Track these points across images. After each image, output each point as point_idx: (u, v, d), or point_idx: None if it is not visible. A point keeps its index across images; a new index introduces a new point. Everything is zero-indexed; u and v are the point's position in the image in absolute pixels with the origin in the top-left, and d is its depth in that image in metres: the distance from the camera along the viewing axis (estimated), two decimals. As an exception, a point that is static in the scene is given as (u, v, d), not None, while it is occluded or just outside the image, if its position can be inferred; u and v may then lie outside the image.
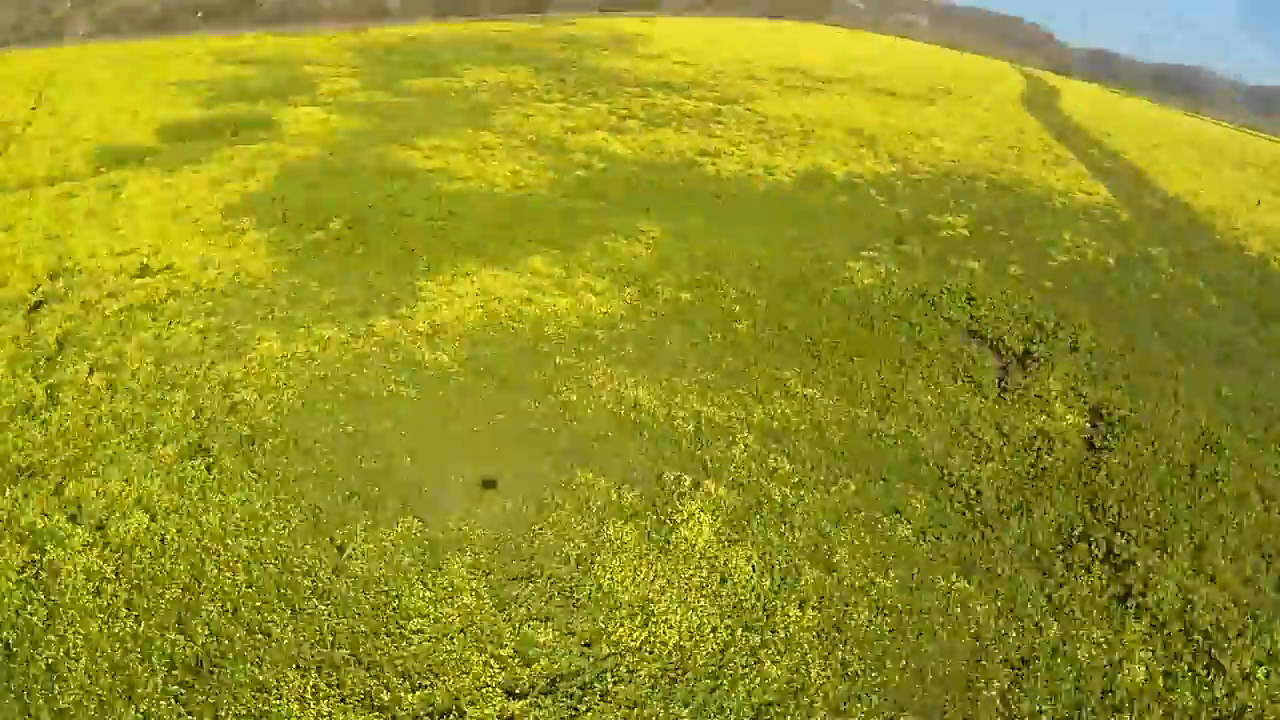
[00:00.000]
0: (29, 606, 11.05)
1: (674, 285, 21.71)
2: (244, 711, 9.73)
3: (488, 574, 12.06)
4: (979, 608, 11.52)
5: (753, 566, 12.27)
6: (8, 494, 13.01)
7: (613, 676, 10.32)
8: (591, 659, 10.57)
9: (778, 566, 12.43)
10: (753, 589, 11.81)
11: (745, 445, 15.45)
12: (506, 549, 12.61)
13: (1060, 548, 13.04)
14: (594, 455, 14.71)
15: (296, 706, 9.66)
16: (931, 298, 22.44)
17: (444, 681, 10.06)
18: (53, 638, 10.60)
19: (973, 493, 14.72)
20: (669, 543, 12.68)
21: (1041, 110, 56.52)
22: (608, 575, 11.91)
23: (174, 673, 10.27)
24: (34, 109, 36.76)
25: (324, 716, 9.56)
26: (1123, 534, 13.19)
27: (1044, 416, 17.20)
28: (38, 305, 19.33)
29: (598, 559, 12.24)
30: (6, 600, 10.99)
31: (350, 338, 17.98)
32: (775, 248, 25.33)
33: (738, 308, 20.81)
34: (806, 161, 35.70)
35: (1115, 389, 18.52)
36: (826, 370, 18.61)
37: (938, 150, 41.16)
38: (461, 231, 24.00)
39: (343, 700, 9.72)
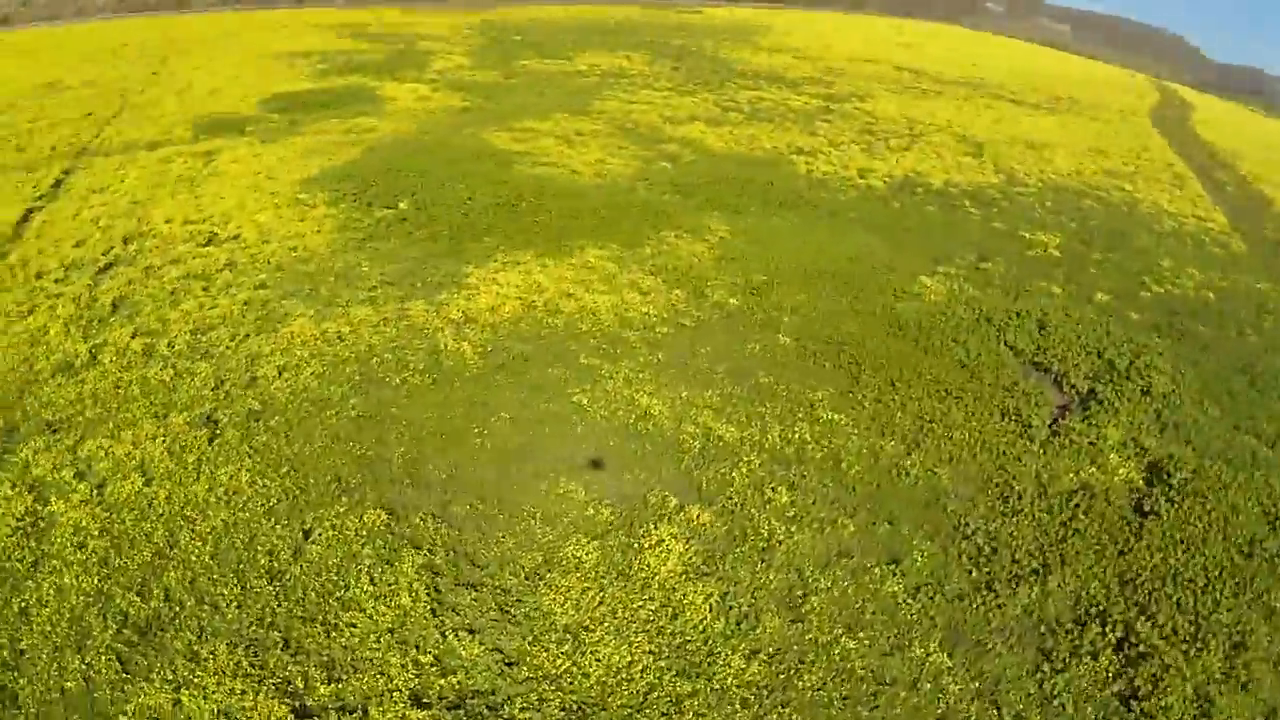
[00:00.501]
0: (18, 552, 12.02)
1: (725, 289, 21.03)
2: (170, 677, 10.12)
3: (436, 576, 11.92)
4: (953, 687, 10.13)
5: (710, 606, 11.32)
6: (30, 445, 14.28)
7: (523, 702, 9.86)
8: (508, 680, 10.17)
9: (737, 609, 11.41)
10: (702, 631, 10.92)
11: (749, 469, 14.38)
12: (464, 553, 12.41)
13: (1070, 626, 11.27)
14: (583, 465, 14.30)
15: (214, 681, 9.92)
16: (998, 323, 20.28)
17: (359, 679, 10.04)
18: (31, 584, 11.48)
19: (987, 549, 12.97)
20: (629, 568, 12.02)
21: (1170, 126, 50.43)
22: (552, 595, 11.43)
23: (123, 631, 10.89)
24: (154, 74, 41.01)
25: (235, 694, 9.77)
26: (1149, 618, 11.25)
27: (1093, 468, 14.94)
28: (107, 268, 21.27)
29: (549, 576, 11.81)
30: (1, 545, 11.92)
31: (382, 321, 18.58)
32: (844, 256, 24.03)
33: (786, 318, 19.82)
34: (905, 167, 33.99)
35: (1183, 444, 15.85)
36: (862, 393, 17.19)
37: (1047, 162, 37.60)
38: (526, 219, 24.39)
39: (259, 682, 9.93)
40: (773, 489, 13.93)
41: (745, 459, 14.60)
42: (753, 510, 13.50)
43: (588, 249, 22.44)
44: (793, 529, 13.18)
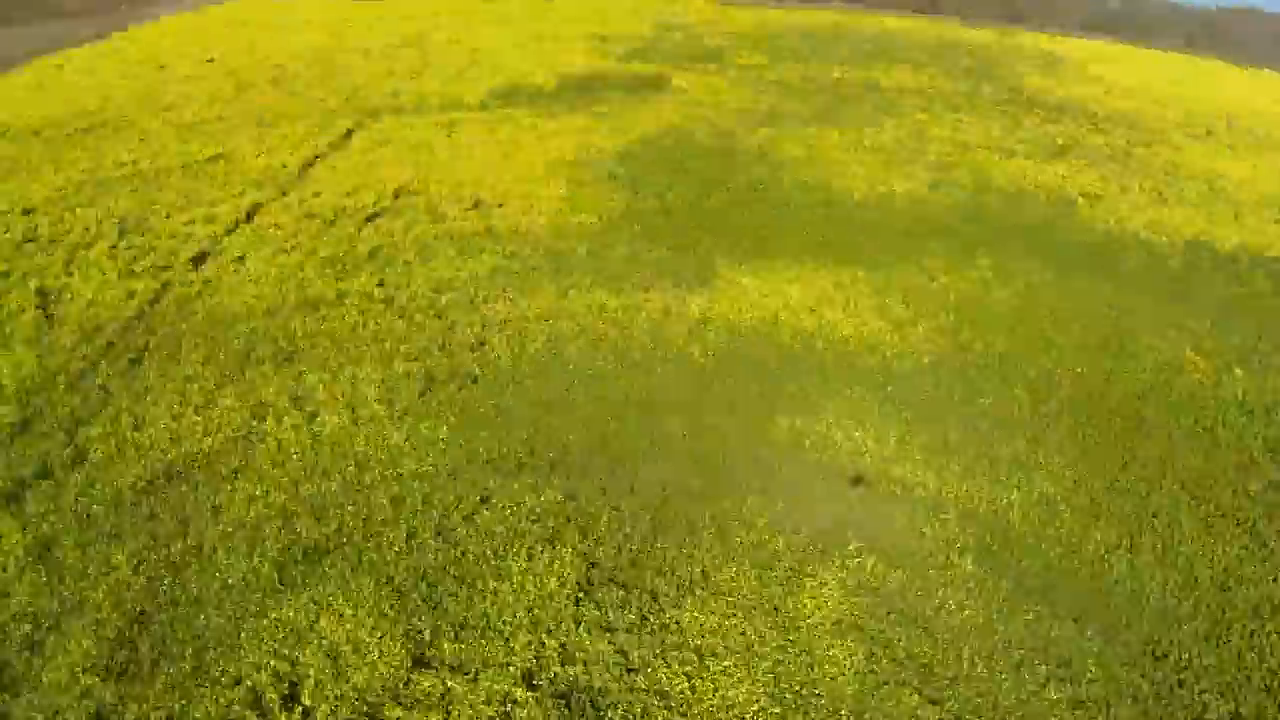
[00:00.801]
0: (227, 458, 17.75)
1: (975, 331, 23.97)
2: (315, 599, 14.32)
3: (592, 567, 15.19)
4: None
5: (850, 665, 13.24)
6: (262, 369, 20.69)
7: (625, 710, 12.49)
8: (622, 685, 12.83)
9: (877, 676, 13.12)
10: (833, 689, 12.79)
11: (942, 528, 16.44)
12: (627, 551, 15.64)
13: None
14: (773, 489, 17.21)
15: (351, 612, 13.82)
16: (1261, 417, 21.27)
17: (481, 645, 13.49)
18: (229, 487, 16.97)
19: (1174, 681, 13.65)
20: (780, 605, 14.46)
21: None
22: (694, 613, 14.31)
23: (291, 549, 15.35)
24: (458, 41, 55.77)
25: (365, 628, 13.74)
26: None
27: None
28: (372, 218, 29.29)
29: (699, 593, 14.75)
30: (216, 448, 17.77)
31: (620, 307, 23.92)
32: (1108, 316, 26.25)
33: (1032, 373, 22.41)
34: (1197, 226, 35.69)
35: None
36: (1090, 469, 18.88)
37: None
38: (789, 226, 30.11)
39: (392, 624, 13.56)
40: (959, 555, 15.81)
41: (942, 516, 16.81)
42: (931, 573, 15.33)
43: (845, 266, 26.70)
44: (966, 603, 14.68)
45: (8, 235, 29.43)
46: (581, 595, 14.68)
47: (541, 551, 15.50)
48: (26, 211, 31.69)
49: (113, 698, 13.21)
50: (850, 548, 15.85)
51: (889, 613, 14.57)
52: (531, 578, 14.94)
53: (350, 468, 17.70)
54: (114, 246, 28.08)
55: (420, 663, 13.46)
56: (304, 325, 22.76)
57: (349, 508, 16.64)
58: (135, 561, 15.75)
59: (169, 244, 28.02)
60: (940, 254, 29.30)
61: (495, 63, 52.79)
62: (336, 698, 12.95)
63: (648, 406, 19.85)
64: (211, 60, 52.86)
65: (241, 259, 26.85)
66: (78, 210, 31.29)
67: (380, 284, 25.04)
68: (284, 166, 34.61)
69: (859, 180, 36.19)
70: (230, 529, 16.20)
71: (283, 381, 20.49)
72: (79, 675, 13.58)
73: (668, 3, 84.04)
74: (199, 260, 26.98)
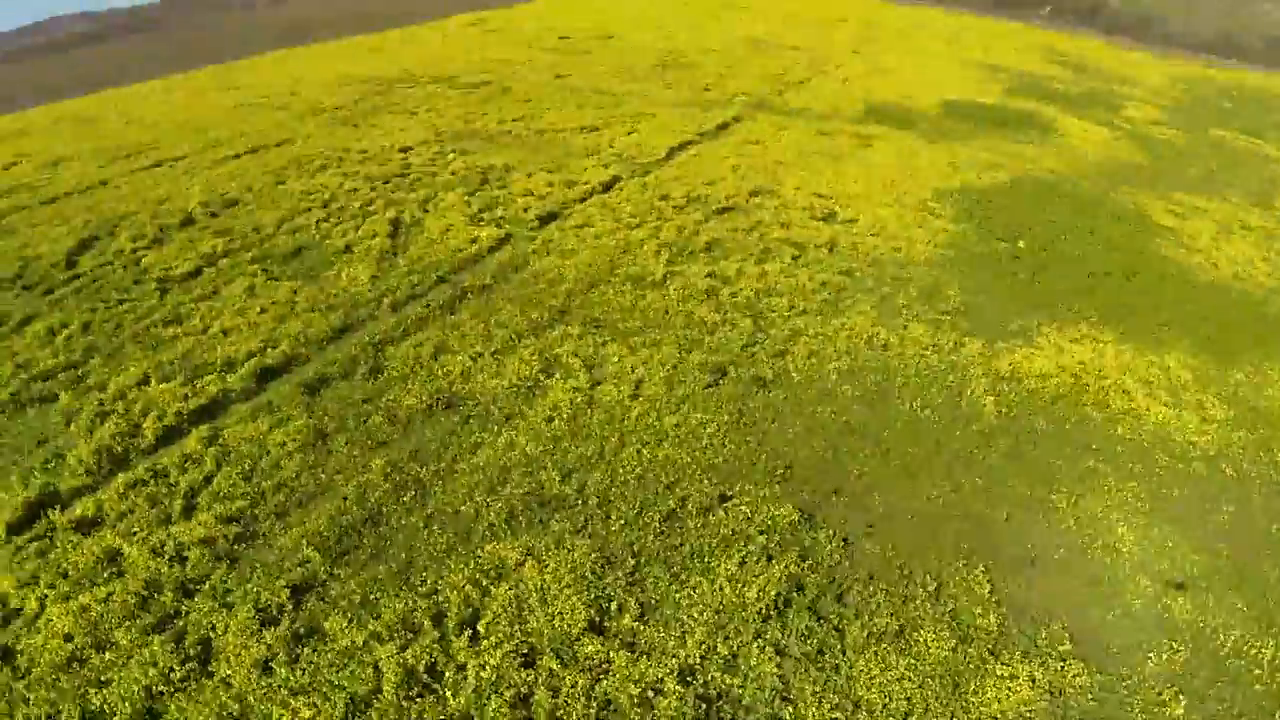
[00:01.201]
0: (508, 404, 20.53)
1: None
2: (526, 547, 16.38)
3: (796, 591, 16.28)
4: None
5: None
6: (568, 330, 23.51)
7: None
8: (766, 717, 12.39)
9: None
10: None
11: (1169, 654, 16.20)
12: (838, 583, 16.78)
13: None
14: (1015, 563, 17.97)
15: (550, 568, 15.71)
16: None
17: (653, 629, 14.61)
18: (495, 429, 19.55)
19: None
20: (962, 688, 14.81)
21: None
22: (871, 672, 14.91)
23: (527, 496, 17.50)
24: (855, 52, 60.15)
25: (548, 585, 15.74)
26: None
27: None
28: (722, 211, 31.49)
29: (884, 651, 15.37)
30: (501, 394, 20.29)
31: (932, 346, 24.97)
32: None
33: None
34: None
35: None
36: None
37: None
38: (1133, 298, 30.09)
39: (576, 594, 15.50)
40: (1172, 693, 15.42)
41: (1174, 640, 16.58)
42: (1138, 700, 15.17)
43: (1174, 350, 27.02)
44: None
45: (382, 168, 35.29)
46: (772, 614, 15.65)
47: (755, 562, 16.66)
48: (404, 150, 37.68)
49: (322, 572, 16.11)
50: (1061, 649, 15.81)
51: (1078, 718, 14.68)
52: (733, 585, 16.10)
53: (614, 438, 19.53)
54: (472, 194, 32.58)
55: (595, 628, 15.10)
56: (621, 298, 25.11)
57: (595, 474, 18.46)
58: (389, 469, 18.57)
59: (524, 200, 31.97)
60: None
61: (883, 80, 56.42)
62: (505, 635, 14.68)
63: (926, 450, 20.58)
64: (612, 37, 59.52)
65: (585, 226, 29.99)
66: (450, 156, 36.68)
67: (710, 275, 26.88)
68: (654, 148, 37.74)
69: (1226, 262, 35.14)
70: (483, 464, 18.61)
71: (582, 345, 22.89)
72: (303, 545, 16.65)
73: (1058, 37, 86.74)
74: (545, 220, 30.58)
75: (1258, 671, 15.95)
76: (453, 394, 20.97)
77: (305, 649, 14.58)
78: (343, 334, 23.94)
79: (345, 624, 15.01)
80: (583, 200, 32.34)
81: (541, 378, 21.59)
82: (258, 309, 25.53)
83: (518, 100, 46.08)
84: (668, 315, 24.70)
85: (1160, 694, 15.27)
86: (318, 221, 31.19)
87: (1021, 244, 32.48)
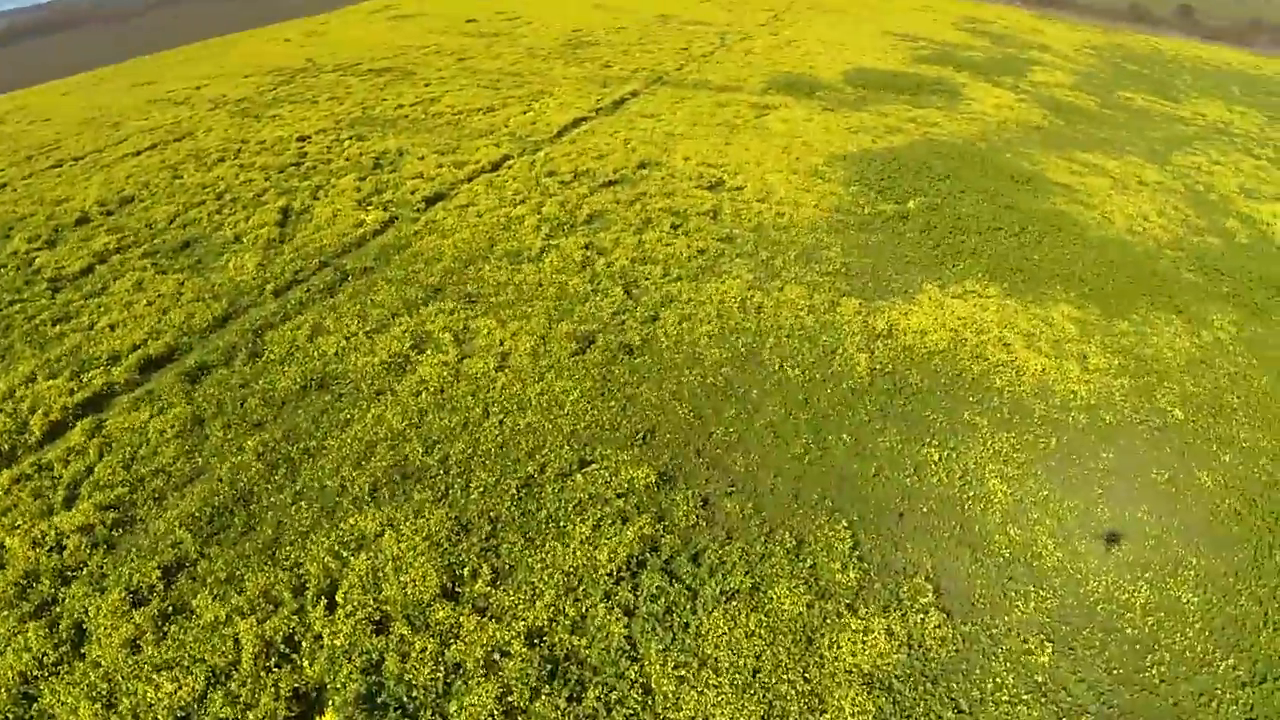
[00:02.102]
0: (378, 381, 20.47)
1: (1175, 398, 23.35)
2: (387, 518, 16.68)
3: (653, 552, 16.03)
4: None
5: None
6: (441, 306, 23.80)
7: None
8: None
9: None
10: None
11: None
12: (689, 542, 16.32)
13: None
14: (886, 530, 17.82)
15: (418, 536, 15.93)
16: None
17: (508, 592, 14.88)
18: (364, 406, 19.71)
19: None
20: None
21: None
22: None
23: (391, 469, 17.75)
24: (763, 25, 59.06)
25: (414, 551, 15.77)
26: None
27: None
28: (607, 184, 31.81)
29: (754, 619, 14.45)
30: (370, 373, 20.61)
31: (807, 308, 25.11)
32: None
33: (1226, 457, 21.22)
34: None
35: None
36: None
37: None
38: (1017, 253, 30.23)
39: (441, 557, 15.33)
40: (1038, 641, 15.65)
41: (1041, 589, 16.74)
42: (1002, 650, 15.35)
43: (1060, 303, 27.16)
44: None
45: (278, 158, 35.22)
46: (624, 576, 15.98)
47: (610, 524, 17.00)
48: (301, 139, 37.59)
49: (194, 551, 16.40)
50: (922, 599, 16.04)
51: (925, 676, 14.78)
52: (586, 547, 16.47)
53: (476, 409, 19.92)
54: (363, 179, 32.61)
55: (447, 594, 15.49)
56: (497, 274, 25.44)
57: (457, 445, 18.85)
58: (262, 450, 18.86)
59: (412, 184, 32.10)
60: (1173, 306, 28.03)
61: (790, 52, 56.46)
62: (360, 604, 15.08)
63: (794, 408, 20.90)
64: (520, 20, 59.32)
65: (468, 206, 30.25)
66: (346, 143, 36.58)
67: (586, 247, 27.22)
68: (547, 126, 37.97)
69: (1121, 216, 35.34)
70: (350, 440, 18.98)
71: (454, 321, 23.24)
72: (175, 527, 16.93)
73: (984, 8, 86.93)
74: (432, 201, 30.75)
75: (1130, 615, 16.13)
76: (326, 374, 21.26)
77: (172, 626, 14.89)
78: (225, 322, 24.06)
79: (211, 600, 15.33)
80: (470, 180, 32.53)
81: (412, 354, 21.93)
82: (144, 302, 25.51)
83: (418, 85, 45.94)
84: (540, 288, 25.06)
85: (1026, 642, 15.41)
86: (210, 214, 31.09)
87: (911, 205, 32.52)
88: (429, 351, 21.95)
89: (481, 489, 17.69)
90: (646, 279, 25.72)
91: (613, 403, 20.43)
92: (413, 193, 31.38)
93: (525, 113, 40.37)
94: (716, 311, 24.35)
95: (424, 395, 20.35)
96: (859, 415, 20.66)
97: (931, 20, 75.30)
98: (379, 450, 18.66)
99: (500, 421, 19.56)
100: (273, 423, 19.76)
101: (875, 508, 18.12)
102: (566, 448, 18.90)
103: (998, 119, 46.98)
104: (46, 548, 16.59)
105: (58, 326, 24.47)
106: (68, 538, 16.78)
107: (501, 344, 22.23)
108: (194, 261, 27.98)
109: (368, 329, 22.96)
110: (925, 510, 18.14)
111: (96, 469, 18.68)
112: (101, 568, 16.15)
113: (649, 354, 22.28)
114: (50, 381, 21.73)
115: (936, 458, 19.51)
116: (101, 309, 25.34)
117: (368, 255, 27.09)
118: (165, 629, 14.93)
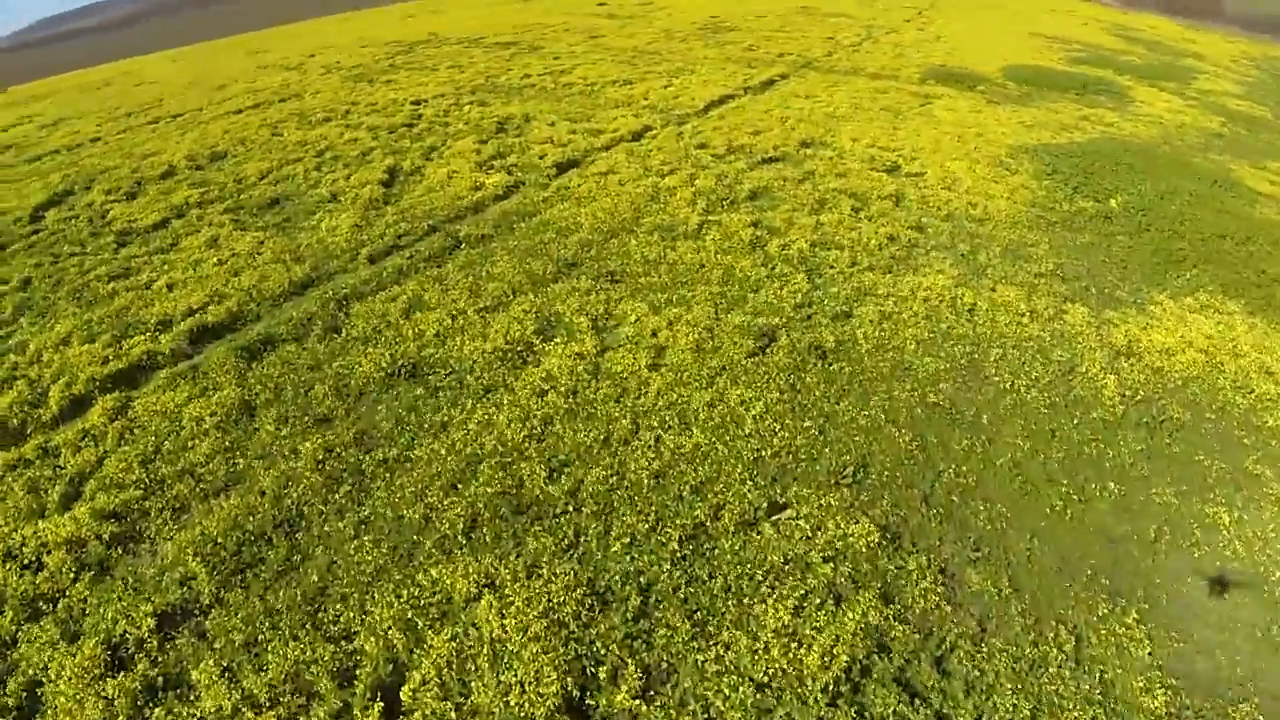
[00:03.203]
0: (491, 374, 14.61)
1: None
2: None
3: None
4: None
5: None
6: (575, 284, 18.06)
7: None
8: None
9: None
10: None
11: None
12: (913, 616, 11.21)
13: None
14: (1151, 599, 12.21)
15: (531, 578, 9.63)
16: None
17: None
18: (469, 406, 13.76)
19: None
20: None
21: None
22: None
23: (498, 477, 11.67)
24: (908, 20, 57.97)
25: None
26: None
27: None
28: (769, 160, 25.95)
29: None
30: (477, 356, 14.77)
31: (1029, 312, 19.39)
32: None
33: None
34: None
35: None
36: None
37: None
38: (1249, 267, 24.49)
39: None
40: None
41: None
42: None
43: None
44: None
45: (390, 119, 30.25)
46: (842, 692, 10.01)
47: (819, 605, 10.97)
48: (417, 102, 32.53)
49: (207, 594, 11.06)
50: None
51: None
52: (785, 642, 10.41)
53: (622, 420, 14.01)
54: (484, 142, 27.30)
55: (571, 707, 9.65)
56: (646, 250, 19.88)
57: (594, 471, 12.95)
58: (323, 456, 13.32)
59: (541, 149, 26.67)
60: None
61: (939, 46, 50.83)
62: (435, 713, 9.32)
63: (1038, 444, 14.86)
64: (654, 4, 54.14)
65: (608, 174, 24.58)
66: (466, 107, 31.42)
67: (755, 225, 21.34)
68: (692, 101, 32.37)
69: None
70: (445, 452, 13.34)
71: (591, 302, 17.51)
72: (189, 555, 11.61)
73: (1127, 16, 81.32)
74: (564, 168, 25.15)
75: None
76: (421, 360, 15.67)
77: (157, 711, 9.57)
78: (305, 289, 18.85)
79: (216, 675, 10.00)
80: (608, 149, 26.86)
81: (536, 340, 16.17)
82: (214, 261, 20.61)
83: (546, 57, 40.87)
84: (702, 269, 19.18)
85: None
86: (307, 171, 26.17)
87: (1114, 204, 26.98)
88: (559, 339, 16.22)
89: (628, 539, 11.80)
90: (831, 266, 19.75)
91: (807, 422, 14.39)
92: (541, 158, 25.87)
93: (666, 87, 34.84)
94: (923, 311, 18.35)
95: (550, 397, 14.56)
96: (1119, 456, 14.77)
97: (1079, 25, 69.69)
98: (483, 470, 12.97)
99: (655, 441, 13.65)
100: (343, 419, 14.28)
101: (1165, 590, 12.24)
102: (749, 484, 12.95)
103: (1174, 123, 41.01)
104: (20, 563, 12.00)
105: (112, 284, 20.07)
106: (50, 553, 12.11)
107: (655, 335, 16.34)
108: (281, 220, 22.99)
109: (480, 306, 17.32)
110: (1231, 598, 12.24)
111: (108, 461, 13.84)
112: (83, 603, 11.33)
113: (846, 359, 16.25)
114: (85, 346, 17.15)
115: (1226, 520, 13.62)
116: (166, 266, 20.68)
117: (486, 221, 21.59)
118: (146, 713, 9.60)
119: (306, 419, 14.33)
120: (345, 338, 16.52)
